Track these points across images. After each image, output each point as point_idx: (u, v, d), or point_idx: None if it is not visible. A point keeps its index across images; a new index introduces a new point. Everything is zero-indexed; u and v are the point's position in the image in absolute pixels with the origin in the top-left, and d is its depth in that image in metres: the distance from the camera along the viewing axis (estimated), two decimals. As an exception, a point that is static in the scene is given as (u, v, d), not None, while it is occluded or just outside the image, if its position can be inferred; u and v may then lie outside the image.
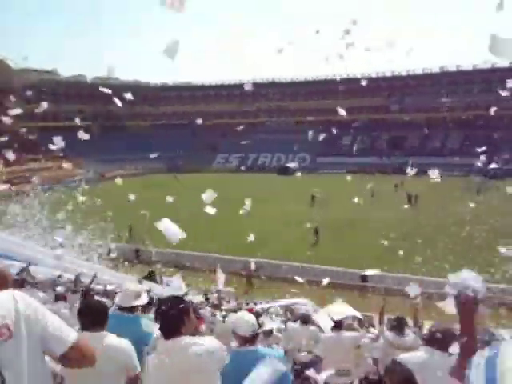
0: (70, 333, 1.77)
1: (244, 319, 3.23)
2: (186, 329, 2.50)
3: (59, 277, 8.98)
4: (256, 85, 72.78)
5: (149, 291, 7.07)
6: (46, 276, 8.84)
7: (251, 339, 3.19)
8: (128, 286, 4.20)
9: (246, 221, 28.30)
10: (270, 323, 6.81)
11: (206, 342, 2.50)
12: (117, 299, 4.26)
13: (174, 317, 2.49)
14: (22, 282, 6.49)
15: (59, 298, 6.30)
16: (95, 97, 72.32)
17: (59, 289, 7.11)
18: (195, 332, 2.71)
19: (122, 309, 3.97)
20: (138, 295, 4.06)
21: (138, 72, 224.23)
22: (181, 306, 2.54)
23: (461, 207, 24.66)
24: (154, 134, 69.64)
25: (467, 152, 43.57)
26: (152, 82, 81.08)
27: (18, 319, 1.56)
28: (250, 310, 9.05)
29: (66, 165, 33.45)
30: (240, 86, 74.15)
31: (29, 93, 63.07)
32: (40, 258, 9.82)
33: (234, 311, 9.00)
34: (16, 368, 1.51)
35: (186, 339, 2.46)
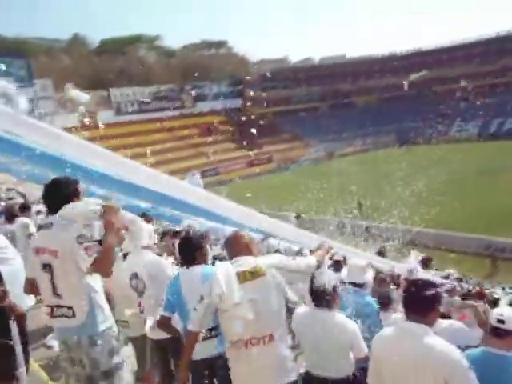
0: None
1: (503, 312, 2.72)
2: None
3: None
4: (500, 39, 63.25)
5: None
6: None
7: (498, 335, 2.64)
8: (355, 262, 4.28)
9: (490, 196, 25.21)
10: None
11: None
12: (346, 274, 4.36)
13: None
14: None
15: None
16: (323, 77, 74.97)
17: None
18: None
19: (353, 284, 4.05)
20: (365, 270, 4.18)
21: (362, 47, 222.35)
22: None
23: None
24: (382, 107, 67.96)
25: None
26: (378, 54, 79.07)
27: None
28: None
29: (298, 145, 35.85)
30: (481, 44, 65.66)
31: (264, 81, 69.98)
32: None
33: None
34: None
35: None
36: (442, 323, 2.82)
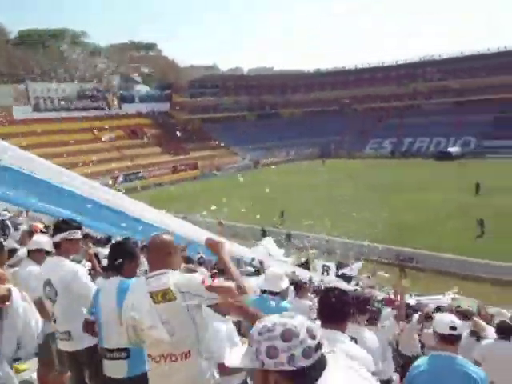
0: None
1: (442, 318, 2.86)
2: None
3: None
4: (413, 65, 68.29)
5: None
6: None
7: (451, 341, 2.75)
8: (272, 270, 4.24)
9: (400, 209, 27.06)
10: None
11: None
12: (262, 283, 4.22)
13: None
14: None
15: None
16: (251, 87, 76.09)
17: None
18: None
19: (269, 292, 3.95)
20: (282, 278, 4.04)
21: (289, 61, 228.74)
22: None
23: None
24: (306, 120, 70.38)
25: None
26: (304, 70, 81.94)
27: None
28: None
29: (224, 153, 36.00)
30: (396, 68, 70.41)
31: (193, 87, 69.28)
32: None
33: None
34: None
35: None
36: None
